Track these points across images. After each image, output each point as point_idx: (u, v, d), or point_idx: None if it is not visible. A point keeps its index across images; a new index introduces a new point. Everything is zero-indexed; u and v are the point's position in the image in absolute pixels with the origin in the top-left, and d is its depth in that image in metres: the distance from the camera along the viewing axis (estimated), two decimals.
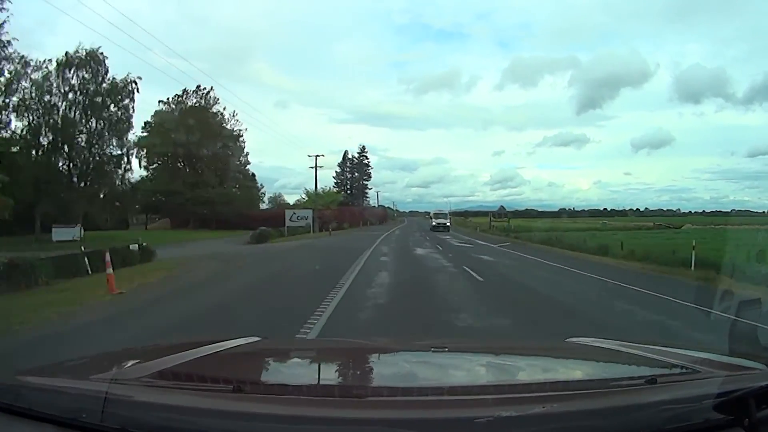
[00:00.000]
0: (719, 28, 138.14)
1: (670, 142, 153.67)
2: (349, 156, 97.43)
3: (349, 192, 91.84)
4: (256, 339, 2.24)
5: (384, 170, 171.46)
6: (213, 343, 1.94)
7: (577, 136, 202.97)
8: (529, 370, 1.98)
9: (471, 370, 1.98)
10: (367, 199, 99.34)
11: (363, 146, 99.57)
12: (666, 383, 1.37)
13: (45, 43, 76.73)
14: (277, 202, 72.95)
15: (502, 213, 57.35)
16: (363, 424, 1.15)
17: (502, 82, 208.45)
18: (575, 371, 1.96)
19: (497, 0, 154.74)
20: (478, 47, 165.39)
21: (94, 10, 63.49)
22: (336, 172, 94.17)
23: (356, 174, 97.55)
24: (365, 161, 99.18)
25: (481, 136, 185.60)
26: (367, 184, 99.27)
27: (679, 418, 1.18)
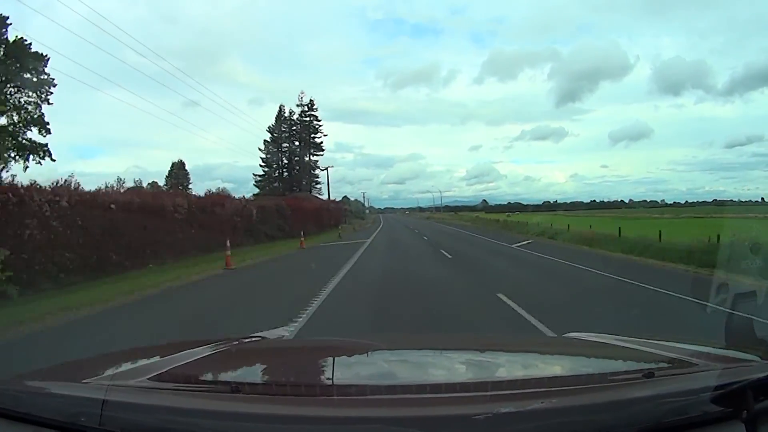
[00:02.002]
0: (699, 20, 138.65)
1: (649, 135, 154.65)
2: (286, 113, 55.45)
3: (285, 171, 56.32)
4: (253, 339, 2.24)
5: (360, 167, 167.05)
6: (210, 344, 1.94)
7: (555, 130, 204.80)
8: (527, 365, 1.99)
9: (469, 366, 1.99)
10: (318, 185, 58.16)
11: (311, 100, 57.02)
12: (664, 377, 1.37)
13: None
14: None
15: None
16: (362, 423, 1.15)
17: (480, 76, 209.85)
18: (573, 366, 1.97)
19: None
20: (455, 42, 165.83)
21: (65, 3, 56.73)
22: (265, 141, 54.38)
23: (297, 143, 56.58)
24: (314, 123, 56.54)
25: (458, 131, 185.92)
26: (317, 161, 57.82)
27: (677, 411, 1.18)
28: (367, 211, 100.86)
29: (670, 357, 1.67)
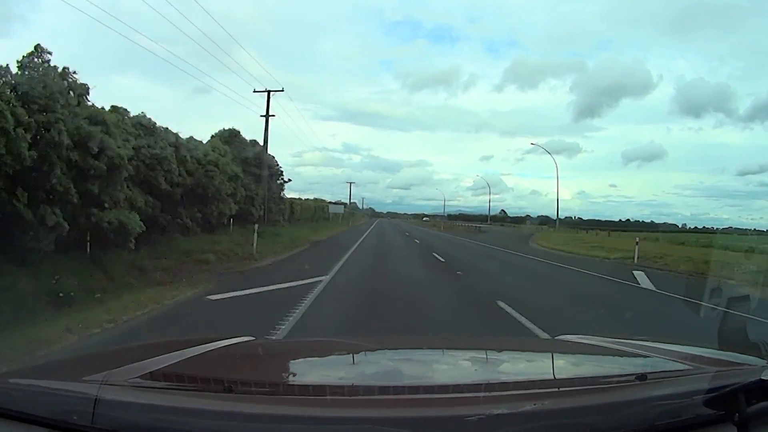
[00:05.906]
0: (725, 43, 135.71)
1: (662, 156, 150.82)
2: None
3: None
4: (247, 339, 2.23)
5: (366, 170, 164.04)
6: (203, 343, 1.93)
7: (569, 145, 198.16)
8: (520, 367, 1.99)
9: (462, 367, 1.99)
10: None
11: None
12: (656, 379, 1.38)
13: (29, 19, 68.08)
14: None
15: None
16: (355, 423, 1.14)
17: (501, 84, 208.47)
18: (566, 368, 1.97)
19: (495, 4, 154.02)
20: (473, 51, 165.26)
21: None
22: None
23: None
24: None
25: (468, 140, 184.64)
26: None
27: (669, 414, 1.19)
28: (327, 213, 58.63)
29: (663, 359, 1.67)
